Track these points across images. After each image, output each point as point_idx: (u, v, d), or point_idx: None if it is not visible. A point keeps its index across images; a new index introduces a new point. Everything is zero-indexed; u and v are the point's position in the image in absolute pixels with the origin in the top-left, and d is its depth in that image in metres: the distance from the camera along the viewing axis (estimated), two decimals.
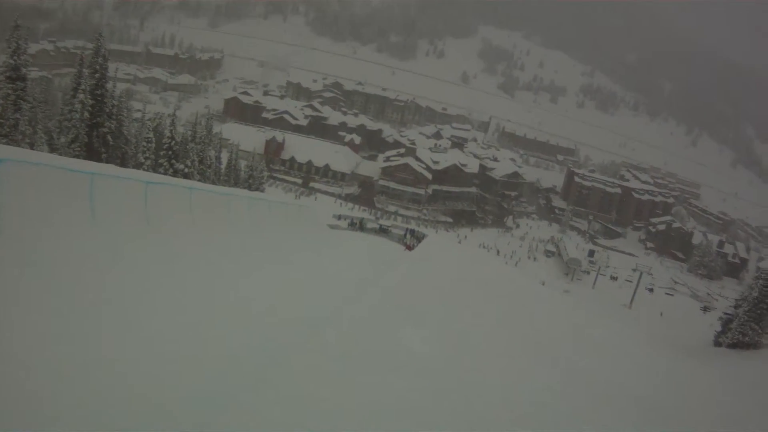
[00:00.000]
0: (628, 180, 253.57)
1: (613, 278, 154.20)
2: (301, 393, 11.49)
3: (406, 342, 17.82)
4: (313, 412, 10.94)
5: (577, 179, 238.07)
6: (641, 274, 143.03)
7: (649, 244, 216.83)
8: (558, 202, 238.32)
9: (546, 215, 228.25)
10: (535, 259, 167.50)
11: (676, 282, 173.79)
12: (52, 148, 58.83)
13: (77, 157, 53.27)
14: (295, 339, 15.74)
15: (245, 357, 13.64)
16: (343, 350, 14.99)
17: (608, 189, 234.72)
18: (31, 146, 51.67)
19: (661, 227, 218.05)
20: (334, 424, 10.80)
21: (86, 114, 57.45)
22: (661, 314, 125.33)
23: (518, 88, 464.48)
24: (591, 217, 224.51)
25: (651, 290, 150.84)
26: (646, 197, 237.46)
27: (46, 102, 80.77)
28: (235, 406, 10.43)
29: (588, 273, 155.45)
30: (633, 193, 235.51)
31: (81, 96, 57.07)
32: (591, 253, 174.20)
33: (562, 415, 15.59)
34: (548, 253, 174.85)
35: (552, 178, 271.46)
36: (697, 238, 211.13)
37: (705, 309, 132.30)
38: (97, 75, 59.06)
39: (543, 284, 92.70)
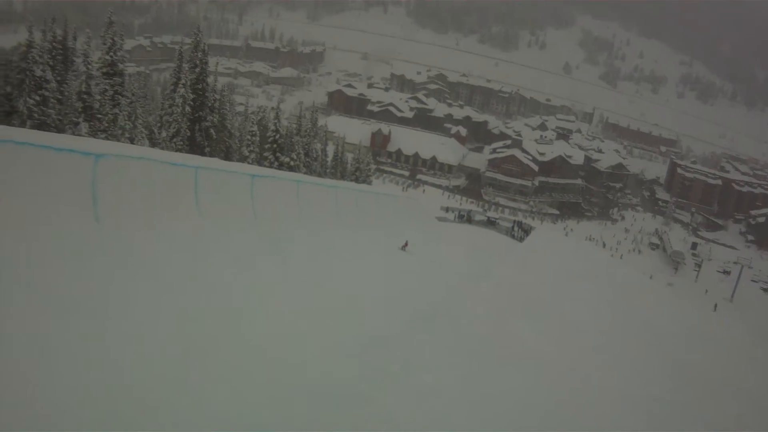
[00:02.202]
0: (728, 171, 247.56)
1: (726, 272, 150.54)
2: (415, 382, 12.08)
3: (518, 335, 18.13)
4: (429, 399, 11.55)
5: (679, 171, 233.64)
6: (742, 267, 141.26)
7: (750, 237, 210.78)
8: (661, 193, 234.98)
9: (650, 207, 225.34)
10: (639, 251, 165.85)
11: None
12: (153, 143, 59.07)
13: (179, 151, 54.73)
14: (408, 331, 16.08)
15: (359, 351, 13.95)
16: (456, 341, 15.52)
17: (710, 180, 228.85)
18: (131, 141, 52.29)
19: (761, 220, 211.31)
20: (444, 406, 11.48)
21: (187, 108, 58.39)
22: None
23: (620, 78, 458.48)
24: (693, 210, 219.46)
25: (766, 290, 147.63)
26: (746, 189, 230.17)
27: (145, 97, 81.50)
28: (368, 395, 11.14)
29: (699, 266, 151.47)
30: (733, 184, 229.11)
31: (181, 90, 58.08)
32: (694, 246, 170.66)
33: (672, 408, 15.62)
34: (652, 246, 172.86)
35: (655, 169, 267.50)
36: None
37: None
38: (197, 69, 60.33)
39: (651, 277, 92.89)
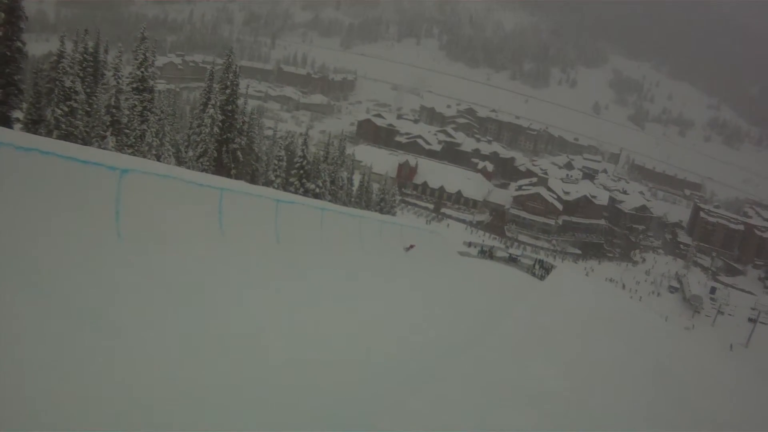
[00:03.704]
0: (750, 217, 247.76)
1: (752, 320, 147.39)
2: (430, 423, 11.45)
3: (536, 375, 17.51)
4: None
5: (702, 215, 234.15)
6: (759, 313, 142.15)
7: None
8: (683, 237, 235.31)
9: (671, 250, 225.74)
10: (658, 294, 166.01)
11: None
12: (180, 161, 59.99)
13: (205, 171, 54.78)
14: (424, 367, 15.79)
15: (373, 384, 13.62)
16: (473, 381, 14.93)
17: (732, 225, 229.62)
18: (158, 158, 52.21)
19: None
20: None
21: (216, 129, 58.60)
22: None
23: (648, 120, 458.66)
24: (714, 254, 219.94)
25: None
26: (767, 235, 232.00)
27: (174, 115, 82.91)
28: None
29: (721, 312, 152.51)
30: (755, 230, 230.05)
31: (211, 111, 58.39)
32: (713, 291, 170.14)
33: None
34: (671, 289, 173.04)
35: (678, 212, 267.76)
36: None
37: None
38: (227, 91, 60.17)
39: (666, 319, 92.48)
